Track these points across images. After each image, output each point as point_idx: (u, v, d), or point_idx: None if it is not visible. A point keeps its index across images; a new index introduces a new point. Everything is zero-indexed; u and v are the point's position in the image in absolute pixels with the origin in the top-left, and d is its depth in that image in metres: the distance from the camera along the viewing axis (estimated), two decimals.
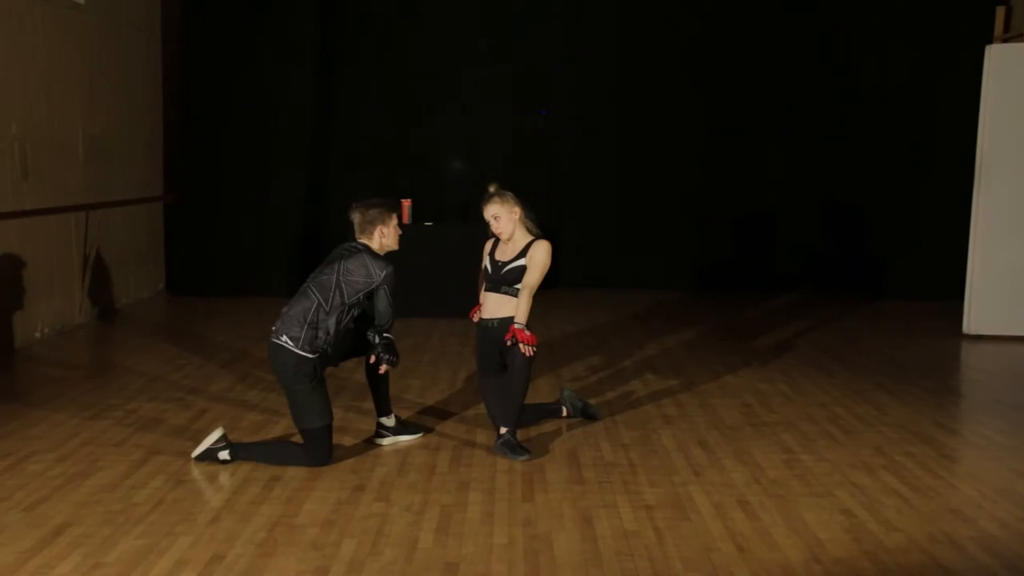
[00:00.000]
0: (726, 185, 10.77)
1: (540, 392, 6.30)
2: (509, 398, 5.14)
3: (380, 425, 5.41)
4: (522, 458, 5.01)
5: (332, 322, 4.89)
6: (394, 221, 5.15)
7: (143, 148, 10.10)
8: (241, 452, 4.95)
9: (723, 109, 10.70)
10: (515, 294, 5.17)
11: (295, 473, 4.77)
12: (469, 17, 10.58)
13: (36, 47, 7.93)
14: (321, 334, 4.87)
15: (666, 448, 5.22)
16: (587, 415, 5.77)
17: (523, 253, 5.20)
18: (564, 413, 5.77)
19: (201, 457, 4.92)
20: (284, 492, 4.52)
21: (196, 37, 10.36)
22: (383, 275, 4.94)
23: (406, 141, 10.61)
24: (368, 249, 5.03)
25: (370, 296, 4.99)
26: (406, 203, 9.18)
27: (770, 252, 10.85)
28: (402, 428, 5.46)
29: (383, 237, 5.10)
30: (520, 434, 5.31)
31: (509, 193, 5.27)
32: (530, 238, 5.25)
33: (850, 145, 10.57)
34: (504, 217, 5.22)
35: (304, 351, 4.83)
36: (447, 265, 8.89)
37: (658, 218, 10.80)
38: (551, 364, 7.21)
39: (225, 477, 4.72)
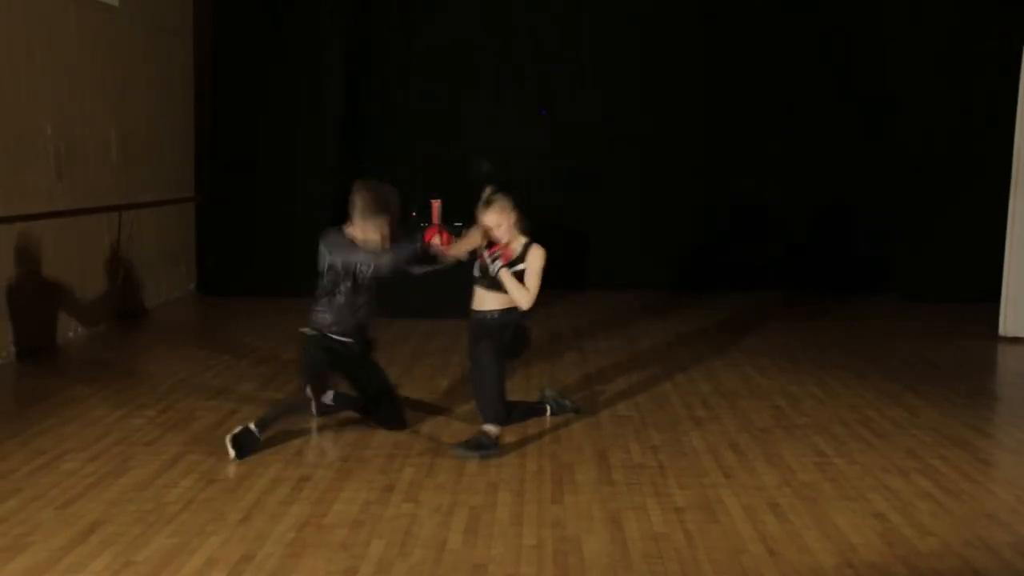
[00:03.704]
0: (748, 184, 10.68)
1: (572, 396, 6.29)
2: (484, 391, 5.20)
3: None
4: (481, 455, 4.99)
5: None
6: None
7: (175, 149, 10.18)
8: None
9: (748, 110, 10.64)
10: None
11: (324, 474, 4.79)
12: (498, 18, 10.60)
13: (69, 49, 8.00)
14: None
15: (696, 450, 5.19)
16: (573, 410, 5.82)
17: (521, 257, 5.32)
18: (548, 413, 5.77)
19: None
20: (314, 493, 4.53)
21: (227, 39, 10.43)
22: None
23: (436, 142, 10.64)
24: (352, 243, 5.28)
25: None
26: (436, 203, 9.19)
27: (797, 253, 10.75)
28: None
29: (379, 234, 5.26)
30: (547, 434, 5.29)
31: (506, 198, 5.35)
32: (524, 240, 5.37)
33: (881, 146, 10.48)
34: (504, 224, 5.33)
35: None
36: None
37: (683, 220, 10.75)
38: (581, 366, 7.20)
39: (255, 477, 4.74)
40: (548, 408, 5.78)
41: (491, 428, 5.11)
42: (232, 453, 4.95)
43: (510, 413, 5.54)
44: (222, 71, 10.46)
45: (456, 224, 9.29)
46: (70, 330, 7.97)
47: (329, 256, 5.34)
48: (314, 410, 5.62)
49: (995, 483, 4.73)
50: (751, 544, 3.95)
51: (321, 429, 5.57)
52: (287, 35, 10.26)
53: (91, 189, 8.33)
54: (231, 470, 4.83)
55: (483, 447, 5.04)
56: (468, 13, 10.58)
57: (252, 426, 5.10)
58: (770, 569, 3.71)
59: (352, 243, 5.29)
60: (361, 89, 10.71)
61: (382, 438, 5.38)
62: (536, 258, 5.32)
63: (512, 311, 5.37)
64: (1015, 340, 8.10)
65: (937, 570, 3.72)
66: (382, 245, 5.28)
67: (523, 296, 5.30)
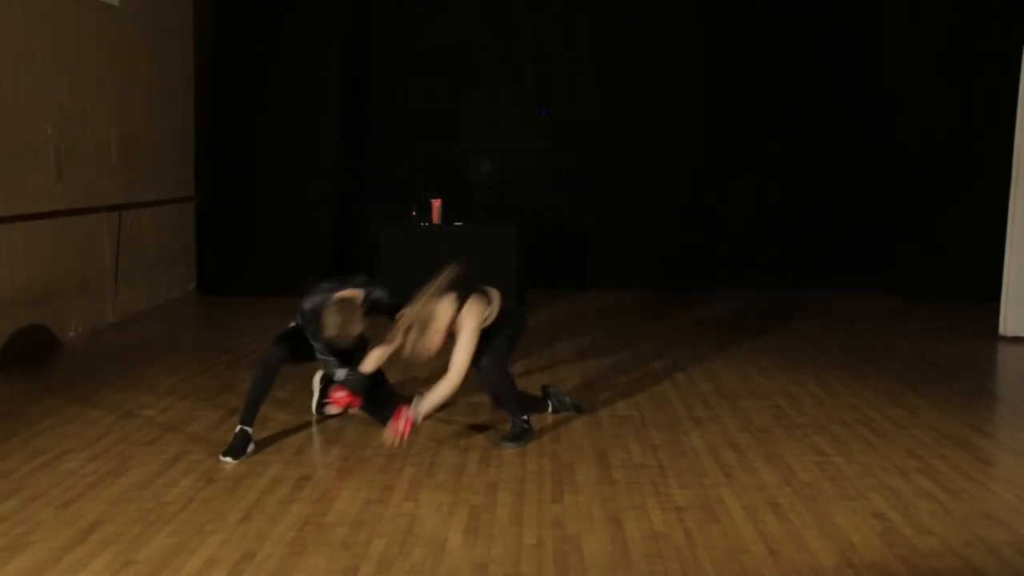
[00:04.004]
0: (748, 184, 10.67)
1: (572, 395, 6.29)
2: (499, 393, 5.31)
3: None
4: (525, 442, 5.22)
5: None
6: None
7: (175, 149, 10.18)
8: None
9: (747, 110, 10.64)
10: None
11: (324, 473, 4.80)
12: (498, 18, 10.61)
13: (69, 49, 8.01)
14: None
15: (696, 450, 5.19)
16: (574, 407, 5.85)
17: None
18: (549, 409, 5.80)
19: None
20: (314, 492, 4.54)
21: (227, 39, 10.44)
22: None
23: (436, 141, 10.64)
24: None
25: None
26: (436, 203, 9.20)
27: (797, 252, 10.74)
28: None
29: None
30: (547, 434, 5.30)
31: (462, 298, 5.09)
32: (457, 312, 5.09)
33: (881, 146, 10.47)
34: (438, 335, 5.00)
35: None
36: (476, 265, 8.85)
37: (682, 220, 10.74)
38: (581, 366, 7.20)
39: (255, 477, 4.74)
40: (550, 404, 5.80)
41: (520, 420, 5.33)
42: (227, 460, 4.94)
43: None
44: (222, 71, 10.46)
45: (456, 224, 9.31)
46: (70, 329, 7.97)
47: (306, 301, 5.17)
48: (323, 381, 5.72)
49: (995, 483, 4.73)
50: (751, 544, 3.95)
51: (321, 428, 5.57)
52: (287, 35, 10.27)
53: (91, 189, 8.33)
54: (231, 470, 4.83)
55: (525, 432, 5.28)
56: (468, 13, 10.58)
57: (239, 428, 5.08)
58: (770, 568, 3.71)
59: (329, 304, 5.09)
60: (361, 89, 10.71)
61: (382, 437, 5.37)
62: (464, 324, 5.02)
63: (496, 320, 5.17)
64: (1015, 340, 8.10)
65: (937, 570, 3.72)
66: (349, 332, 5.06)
67: (453, 379, 5.02)
